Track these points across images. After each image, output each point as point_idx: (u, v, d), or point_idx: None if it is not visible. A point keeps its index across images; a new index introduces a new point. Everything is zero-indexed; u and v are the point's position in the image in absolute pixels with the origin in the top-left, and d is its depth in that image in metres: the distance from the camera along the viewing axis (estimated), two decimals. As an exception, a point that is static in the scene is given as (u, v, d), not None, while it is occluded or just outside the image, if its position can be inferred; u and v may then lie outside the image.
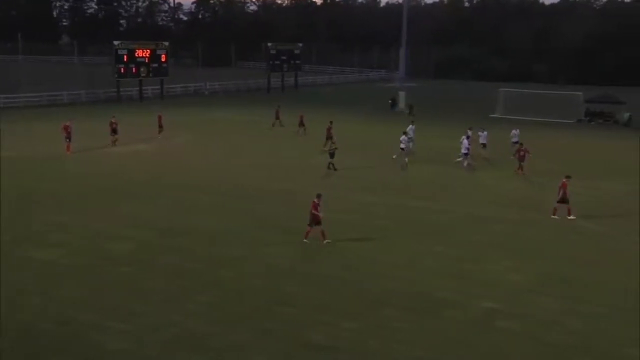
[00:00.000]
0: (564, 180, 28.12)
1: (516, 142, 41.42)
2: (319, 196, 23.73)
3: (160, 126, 47.32)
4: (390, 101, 74.86)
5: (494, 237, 25.52)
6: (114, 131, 43.32)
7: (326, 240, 23.65)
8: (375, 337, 16.74)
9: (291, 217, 27.13)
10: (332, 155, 37.15)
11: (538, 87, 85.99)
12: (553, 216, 28.16)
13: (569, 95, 71.03)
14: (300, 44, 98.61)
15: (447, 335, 16.92)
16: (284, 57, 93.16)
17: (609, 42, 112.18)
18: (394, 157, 39.74)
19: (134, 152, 41.92)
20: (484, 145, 42.33)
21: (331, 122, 44.92)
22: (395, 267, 21.92)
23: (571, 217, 27.88)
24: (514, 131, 44.48)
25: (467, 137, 39.86)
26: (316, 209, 23.51)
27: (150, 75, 75.24)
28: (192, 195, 30.94)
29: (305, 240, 23.75)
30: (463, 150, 38.84)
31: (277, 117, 54.82)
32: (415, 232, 25.88)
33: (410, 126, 43.91)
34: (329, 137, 42.33)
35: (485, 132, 42.70)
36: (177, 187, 32.65)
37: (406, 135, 40.38)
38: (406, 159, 39.07)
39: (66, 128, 41.14)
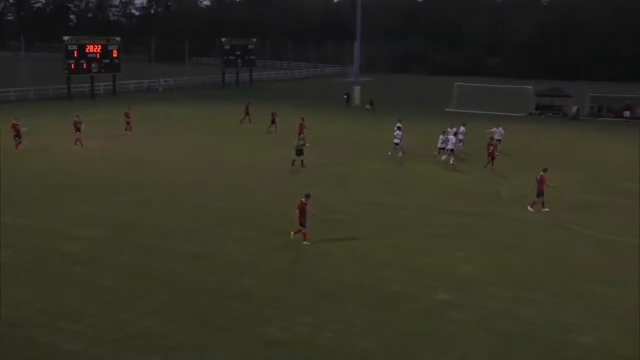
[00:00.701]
0: (542, 173, 28.72)
1: (499, 140, 40.84)
2: (307, 196, 23.50)
3: (128, 123, 47.06)
4: (345, 96, 75.18)
5: (445, 230, 25.92)
6: (78, 130, 42.32)
7: (305, 242, 23.41)
8: (330, 330, 16.91)
9: (247, 214, 27.14)
10: (299, 152, 36.69)
11: (491, 81, 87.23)
12: (530, 208, 28.57)
13: (520, 89, 72.37)
14: (255, 39, 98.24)
15: (400, 328, 17.18)
16: (238, 53, 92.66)
17: (556, 37, 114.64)
18: (389, 153, 40.29)
19: (92, 149, 41.20)
20: (499, 141, 41.34)
21: (303, 119, 44.90)
22: (350, 261, 22.12)
23: (545, 209, 28.35)
24: (495, 129, 43.21)
25: (455, 134, 39.76)
26: (304, 209, 23.22)
27: (102, 71, 73.99)
28: (150, 193, 30.70)
29: (305, 242, 23.41)
30: (449, 146, 38.18)
31: (247, 113, 54.85)
32: (370, 226, 26.13)
33: (462, 128, 42.78)
34: (301, 132, 42.45)
35: (500, 129, 42.43)
36: (135, 184, 32.33)
37: (400, 130, 40.76)
38: (400, 154, 39.63)
39: (14, 127, 40.28)
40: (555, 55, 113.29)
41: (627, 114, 65.30)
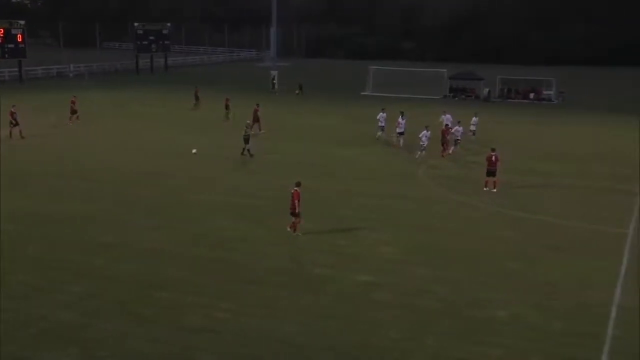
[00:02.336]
0: (491, 153, 29.24)
1: (447, 126, 39.74)
2: (299, 184, 22.94)
3: (74, 111, 45.56)
4: (274, 81, 74.50)
5: (366, 212, 26.25)
6: (14, 121, 39.90)
7: (296, 233, 22.92)
8: (252, 316, 16.87)
9: (165, 201, 26.68)
10: (246, 140, 35.62)
11: (407, 65, 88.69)
12: (485, 188, 29.04)
13: (435, 73, 73.86)
14: (169, 24, 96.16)
15: (324, 311, 17.32)
16: (152, 38, 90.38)
17: (470, 21, 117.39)
18: (377, 136, 40.88)
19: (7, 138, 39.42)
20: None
21: (258, 105, 44.37)
22: (271, 245, 22.10)
23: (494, 189, 28.89)
24: (443, 116, 42.13)
25: (427, 130, 37.79)
26: (297, 199, 22.62)
27: (6, 56, 70.75)
28: (69, 183, 29.80)
29: (298, 234, 22.91)
30: (422, 142, 36.08)
31: (197, 98, 54.89)
32: (283, 209, 26.05)
33: (474, 118, 42.71)
34: (256, 119, 42.19)
35: (448, 115, 41.26)
36: (55, 174, 31.36)
37: (383, 113, 40.95)
38: (381, 135, 40.26)
39: None
40: (469, 40, 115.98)
41: (532, 95, 67.94)
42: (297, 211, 22.56)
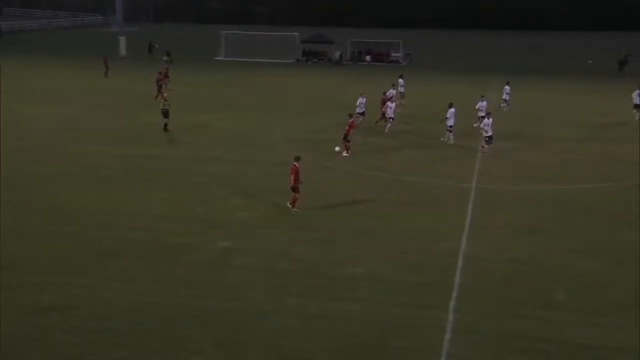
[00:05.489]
0: (350, 120, 29.58)
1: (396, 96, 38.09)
2: (298, 159, 21.87)
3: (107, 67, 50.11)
4: (156, 46, 70.86)
5: (221, 178, 26.10)
6: None
7: (295, 209, 22.11)
8: (110, 289, 16.41)
9: (11, 177, 25.12)
10: (165, 114, 33.43)
11: (259, 29, 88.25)
12: (344, 154, 28.92)
13: (287, 36, 74.13)
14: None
15: (184, 279, 17.16)
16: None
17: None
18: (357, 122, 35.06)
19: None
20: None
21: (162, 72, 43.30)
22: (125, 217, 21.50)
23: (347, 153, 29.13)
24: (391, 90, 38.92)
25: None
26: (297, 174, 21.64)
27: None
28: None
29: (295, 209, 22.04)
30: (449, 123, 32.76)
31: (107, 66, 54.28)
32: (139, 180, 25.50)
33: (507, 87, 41.74)
34: (159, 87, 41.12)
35: (484, 102, 35.79)
36: None
37: (363, 98, 35.87)
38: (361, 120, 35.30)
39: None
40: (321, 2, 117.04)
41: (366, 57, 69.86)
42: (295, 185, 21.82)
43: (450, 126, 32.45)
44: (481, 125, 31.13)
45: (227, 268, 17.94)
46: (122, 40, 73.38)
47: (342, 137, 29.55)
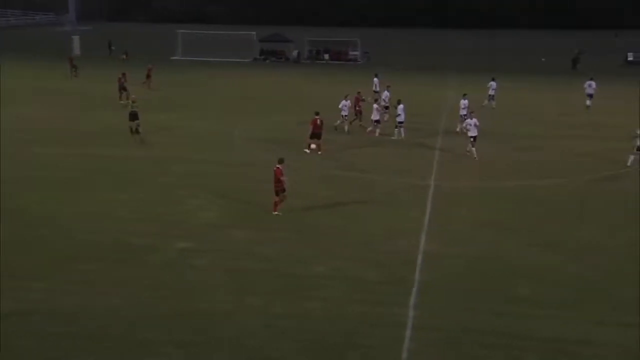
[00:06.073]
0: (316, 117, 29.48)
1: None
2: (281, 161, 21.40)
3: (149, 76, 47.72)
4: (113, 48, 70.37)
5: (182, 179, 25.87)
6: None
7: (275, 212, 21.64)
8: (71, 294, 16.15)
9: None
10: (133, 115, 31.76)
11: (214, 28, 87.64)
12: (306, 150, 29.10)
13: (244, 35, 73.82)
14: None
15: (145, 281, 16.98)
16: None
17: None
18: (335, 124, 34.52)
19: None
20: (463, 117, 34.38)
21: (124, 74, 42.25)
22: (85, 219, 21.18)
23: (320, 152, 29.13)
24: (377, 81, 40.33)
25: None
26: (281, 175, 21.17)
27: None
28: None
29: (275, 212, 21.52)
30: (399, 119, 33.19)
31: (73, 66, 53.43)
32: (102, 182, 25.14)
33: (492, 82, 42.03)
34: (123, 88, 40.36)
35: (466, 101, 35.32)
36: None
37: (346, 100, 34.58)
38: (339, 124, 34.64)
39: None
40: (278, 1, 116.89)
41: (325, 56, 70.37)
42: (281, 189, 21.43)
43: (400, 122, 32.86)
44: (464, 125, 31.33)
45: (189, 269, 17.80)
46: (76, 39, 72.09)
47: (310, 135, 29.53)
